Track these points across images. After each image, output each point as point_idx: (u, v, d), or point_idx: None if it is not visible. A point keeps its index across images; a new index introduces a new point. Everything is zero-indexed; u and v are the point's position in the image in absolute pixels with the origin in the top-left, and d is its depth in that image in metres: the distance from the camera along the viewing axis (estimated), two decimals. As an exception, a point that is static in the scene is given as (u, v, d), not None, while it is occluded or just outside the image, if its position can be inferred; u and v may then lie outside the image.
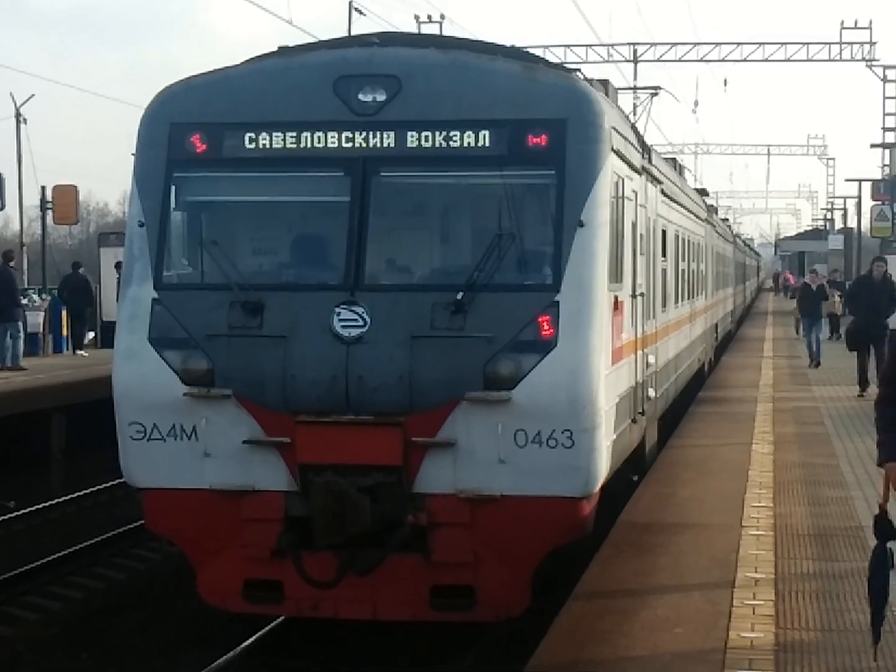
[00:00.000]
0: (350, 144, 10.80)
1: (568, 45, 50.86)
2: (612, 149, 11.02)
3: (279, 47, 12.11)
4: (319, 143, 10.85)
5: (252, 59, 11.78)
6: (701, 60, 52.75)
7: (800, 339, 34.58)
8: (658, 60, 52.64)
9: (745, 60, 52.44)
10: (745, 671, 7.18)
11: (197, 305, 10.78)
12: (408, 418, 10.34)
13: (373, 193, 10.79)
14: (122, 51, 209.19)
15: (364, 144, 10.78)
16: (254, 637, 12.15)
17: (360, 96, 10.81)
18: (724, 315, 37.39)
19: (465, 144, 10.69)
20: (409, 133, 10.73)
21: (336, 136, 10.81)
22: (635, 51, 52.64)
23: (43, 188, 34.99)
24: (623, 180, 11.93)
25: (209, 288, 10.88)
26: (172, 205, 11.16)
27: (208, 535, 10.87)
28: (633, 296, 12.91)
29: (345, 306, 10.45)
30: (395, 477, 10.42)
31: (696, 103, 61.30)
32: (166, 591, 14.46)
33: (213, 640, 12.36)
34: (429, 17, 44.50)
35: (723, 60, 52.69)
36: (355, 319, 10.43)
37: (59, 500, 20.23)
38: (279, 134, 10.89)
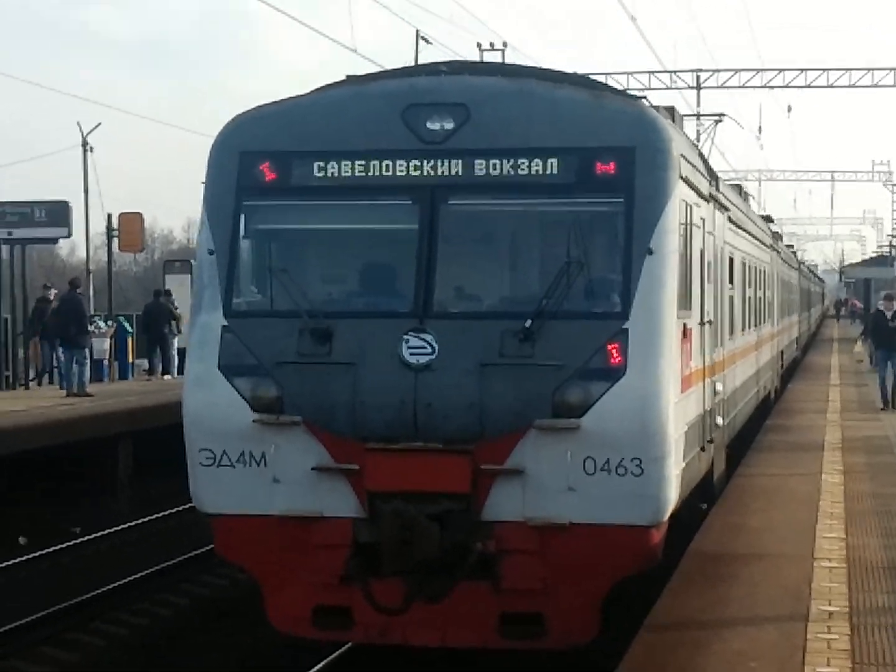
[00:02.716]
0: (418, 173, 10.88)
1: (630, 73, 50.82)
2: (681, 176, 11.04)
3: (347, 76, 12.22)
4: (388, 171, 10.94)
5: (321, 88, 11.89)
6: (764, 86, 52.45)
7: (871, 370, 33.85)
8: (721, 87, 52.47)
9: (809, 86, 52.08)
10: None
11: (266, 333, 10.88)
12: (476, 446, 10.36)
13: (441, 221, 10.86)
14: (187, 79, 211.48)
15: (432, 173, 10.86)
16: (318, 666, 12.16)
17: (429, 124, 10.89)
18: (790, 342, 37.19)
19: (533, 172, 10.74)
20: (477, 161, 10.80)
21: (404, 164, 10.90)
22: (698, 77, 52.50)
23: (109, 216, 35.42)
24: (691, 207, 11.93)
25: (278, 315, 10.96)
26: (242, 233, 11.28)
27: (277, 562, 10.93)
28: (702, 323, 12.88)
29: (413, 333, 10.51)
30: (464, 504, 10.43)
31: (759, 129, 60.99)
32: (232, 618, 14.53)
33: (278, 669, 12.37)
34: (491, 44, 44.52)
35: (787, 86, 52.39)
36: (424, 347, 10.48)
37: (125, 525, 20.37)
38: (348, 162, 11.00)
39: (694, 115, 28.65)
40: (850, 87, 51.82)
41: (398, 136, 10.92)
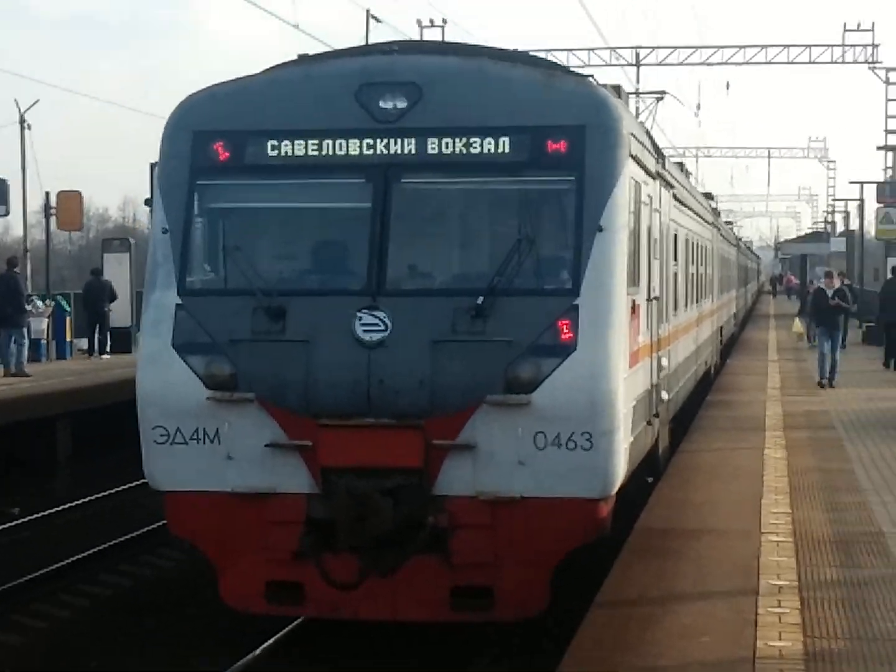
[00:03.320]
0: (371, 151, 11.06)
1: (570, 49, 51.17)
2: (630, 154, 11.27)
3: (299, 55, 12.37)
4: (341, 150, 11.11)
5: (273, 67, 12.01)
6: (703, 63, 52.98)
7: (812, 347, 33.77)
8: (661, 64, 52.91)
9: (747, 63, 52.67)
10: (777, 681, 7.18)
11: (220, 311, 11.03)
12: (428, 421, 10.58)
13: (394, 200, 11.04)
14: (119, 56, 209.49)
15: (385, 151, 11.04)
16: (265, 644, 12.16)
17: (382, 104, 11.07)
18: (729, 318, 37.63)
19: (486, 151, 10.94)
20: (430, 140, 11.00)
21: (358, 143, 11.08)
22: (637, 54, 52.88)
23: (47, 194, 35.20)
24: (640, 185, 12.19)
25: (232, 293, 11.14)
26: (196, 211, 11.40)
27: (230, 538, 11.09)
28: (649, 299, 13.16)
29: (366, 311, 10.70)
30: (416, 479, 10.65)
31: (698, 106, 61.62)
32: (175, 599, 14.49)
33: (222, 648, 12.33)
34: (431, 21, 44.67)
35: (725, 63, 52.94)
36: (377, 324, 10.68)
37: (65, 506, 20.15)
38: (301, 141, 11.16)
39: (635, 92, 28.86)
40: (788, 63, 52.38)
41: (351, 115, 11.08)
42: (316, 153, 11.15)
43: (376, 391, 10.61)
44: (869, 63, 51.61)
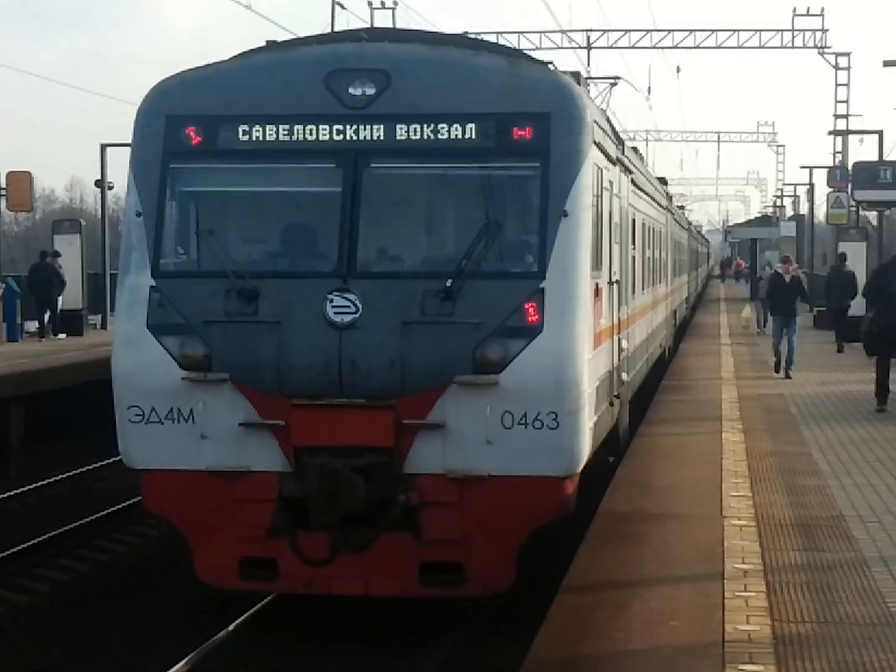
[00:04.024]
0: (341, 137, 11.43)
1: (521, 32, 51.47)
2: (594, 141, 11.69)
3: (267, 41, 12.71)
4: (311, 135, 11.47)
5: (243, 53, 12.37)
6: (654, 47, 53.19)
7: (762, 334, 33.93)
8: (612, 47, 53.20)
9: (697, 47, 52.87)
10: (747, 665, 7.24)
11: (194, 293, 11.38)
12: (399, 401, 10.97)
13: (364, 184, 11.42)
14: (64, 36, 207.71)
15: (355, 137, 11.42)
16: (235, 623, 12.29)
17: (351, 90, 11.45)
18: (681, 302, 38.14)
19: (453, 137, 11.34)
20: (398, 126, 11.38)
21: (327, 128, 11.44)
22: (589, 37, 53.18)
23: (-5, 173, 35.21)
24: (602, 171, 12.63)
25: (205, 276, 11.49)
26: (169, 195, 11.72)
27: (205, 515, 11.45)
28: (610, 283, 13.61)
29: (337, 293, 11.08)
30: (387, 457, 11.04)
31: (649, 90, 61.90)
32: (135, 584, 14.58)
33: (187, 632, 12.34)
34: (382, 2, 44.89)
35: (676, 47, 53.08)
36: (348, 306, 11.06)
37: (18, 490, 19.94)
38: (272, 126, 11.51)
39: (588, 77, 29.21)
40: (737, 48, 52.64)
41: (321, 101, 11.45)
42: (287, 138, 11.49)
43: (348, 372, 10.98)
44: (818, 48, 51.89)
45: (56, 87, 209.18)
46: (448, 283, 11.00)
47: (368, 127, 11.42)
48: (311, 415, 11.07)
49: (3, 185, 34.32)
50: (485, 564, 11.27)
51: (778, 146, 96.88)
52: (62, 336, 32.04)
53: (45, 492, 20.36)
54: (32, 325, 33.53)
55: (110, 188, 38.27)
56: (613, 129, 15.05)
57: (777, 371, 24.29)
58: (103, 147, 36.67)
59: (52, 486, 20.58)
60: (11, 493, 19.72)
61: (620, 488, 12.76)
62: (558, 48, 52.36)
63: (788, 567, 9.52)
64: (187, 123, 11.65)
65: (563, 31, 51.93)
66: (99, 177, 37.07)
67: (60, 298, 32.56)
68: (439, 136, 11.35)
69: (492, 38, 49.81)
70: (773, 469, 13.76)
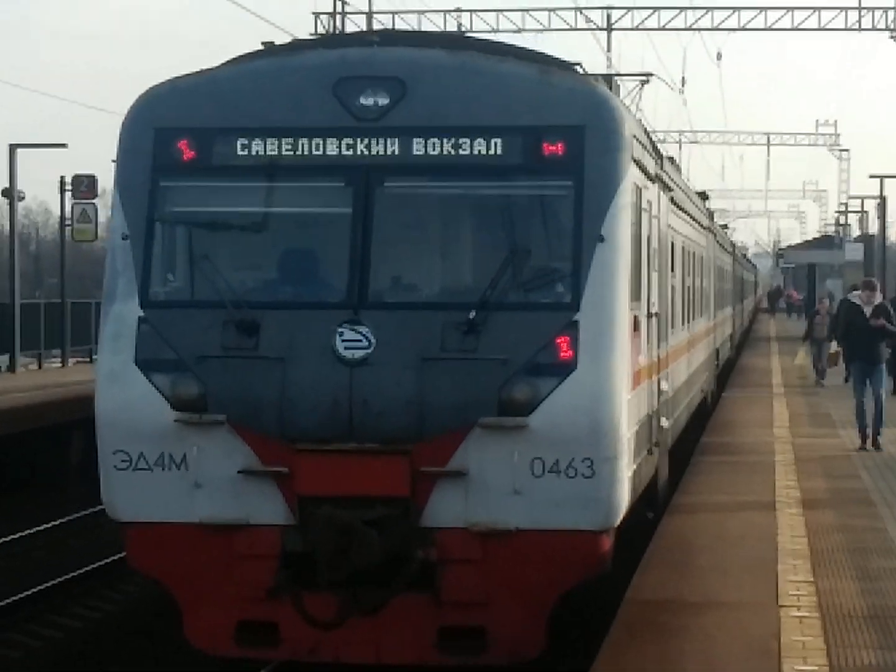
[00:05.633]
0: (351, 152, 12.52)
1: (527, 10, 52.27)
2: (633, 158, 12.80)
3: (264, 44, 13.86)
4: (318, 150, 12.57)
5: (240, 57, 13.48)
6: (689, 29, 53.70)
7: (821, 385, 33.62)
8: (637, 28, 53.90)
9: (743, 29, 53.65)
10: None
11: (187, 324, 12.43)
12: (416, 446, 12.00)
13: (376, 205, 12.48)
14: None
15: (366, 152, 12.51)
16: None
17: (362, 100, 12.52)
18: (724, 340, 38.65)
19: (476, 153, 12.44)
20: (415, 140, 12.47)
21: (336, 142, 12.54)
22: (609, 16, 53.68)
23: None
24: (641, 190, 13.76)
25: (200, 306, 12.55)
26: (158, 216, 12.76)
27: (198, 574, 12.47)
28: (649, 315, 14.71)
29: (348, 325, 12.15)
30: (402, 509, 12.05)
31: (682, 82, 62.80)
32: (147, 634, 15.73)
33: None
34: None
35: (716, 28, 53.76)
36: (359, 340, 12.12)
37: None
38: (274, 140, 12.60)
39: (615, 74, 30.30)
40: (791, 29, 53.14)
41: (329, 112, 12.53)
42: (290, 153, 12.57)
43: (359, 413, 12.02)
44: (891, 30, 52.15)
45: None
46: (471, 315, 11.99)
47: (381, 141, 12.45)
48: (318, 461, 12.07)
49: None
50: (510, 629, 12.19)
51: (841, 150, 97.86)
52: None
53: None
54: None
55: (21, 199, 38.92)
56: (651, 141, 16.08)
57: (862, 444, 22.09)
58: (12, 148, 37.66)
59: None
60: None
61: (651, 569, 12.96)
62: (572, 29, 52.63)
63: (861, 668, 9.57)
64: (179, 136, 12.67)
65: (577, 9, 52.23)
66: (7, 184, 37.76)
67: None
68: (461, 152, 12.39)
69: (490, 18, 51.27)
70: (840, 548, 13.92)
